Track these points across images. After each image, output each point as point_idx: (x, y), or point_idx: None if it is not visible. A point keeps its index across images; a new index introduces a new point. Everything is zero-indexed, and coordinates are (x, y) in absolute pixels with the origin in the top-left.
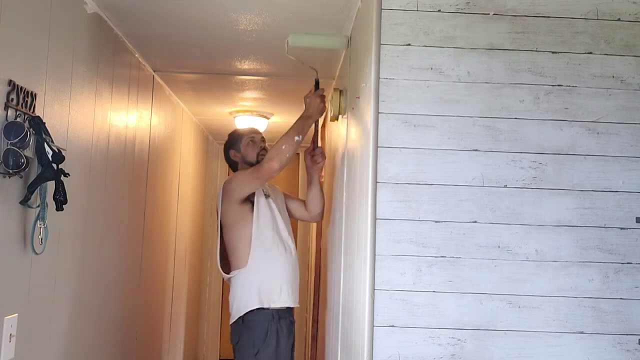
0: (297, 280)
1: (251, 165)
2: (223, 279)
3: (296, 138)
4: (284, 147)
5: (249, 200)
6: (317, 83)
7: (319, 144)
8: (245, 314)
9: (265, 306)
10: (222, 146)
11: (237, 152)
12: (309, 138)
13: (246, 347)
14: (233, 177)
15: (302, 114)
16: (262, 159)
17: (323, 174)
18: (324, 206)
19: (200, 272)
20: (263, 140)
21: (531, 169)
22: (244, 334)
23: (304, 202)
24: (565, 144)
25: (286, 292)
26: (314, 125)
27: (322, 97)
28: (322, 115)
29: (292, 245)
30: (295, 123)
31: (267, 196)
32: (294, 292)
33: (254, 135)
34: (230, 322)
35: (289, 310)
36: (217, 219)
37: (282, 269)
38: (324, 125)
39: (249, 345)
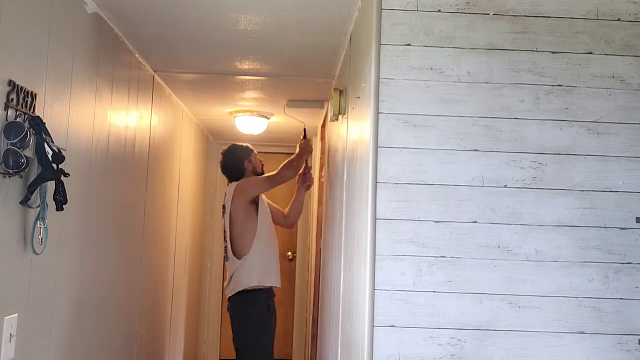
0: (278, 264)
1: (257, 174)
2: (225, 260)
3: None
4: (294, 164)
5: (255, 202)
6: (305, 132)
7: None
8: (246, 291)
9: (261, 285)
10: (224, 149)
11: (249, 162)
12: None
13: (254, 315)
14: (248, 181)
15: (296, 154)
16: (263, 171)
17: (323, 173)
18: (298, 218)
19: (200, 272)
20: None
21: (531, 169)
22: (247, 308)
23: (280, 210)
24: (565, 144)
25: (275, 275)
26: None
27: (309, 141)
28: (311, 154)
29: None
30: (290, 159)
31: (262, 200)
32: (278, 275)
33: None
34: (230, 295)
35: (272, 290)
36: (225, 214)
37: (273, 256)
38: (323, 126)
39: (258, 314)
